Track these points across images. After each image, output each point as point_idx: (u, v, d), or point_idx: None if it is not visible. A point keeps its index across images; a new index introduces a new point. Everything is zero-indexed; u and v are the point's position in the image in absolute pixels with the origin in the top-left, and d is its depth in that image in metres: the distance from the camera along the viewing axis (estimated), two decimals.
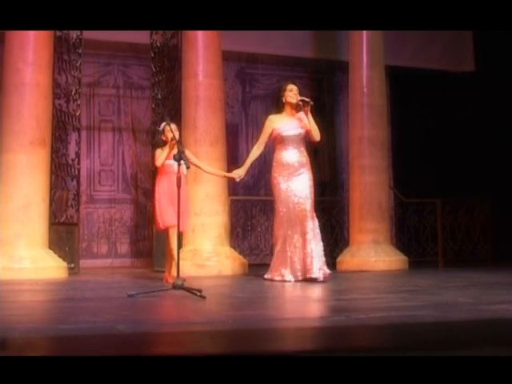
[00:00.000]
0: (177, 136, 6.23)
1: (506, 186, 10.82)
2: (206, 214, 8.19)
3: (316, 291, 5.76)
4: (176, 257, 6.01)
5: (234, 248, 8.66)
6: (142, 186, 10.53)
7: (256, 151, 6.75)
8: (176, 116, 8.64)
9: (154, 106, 9.28)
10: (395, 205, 10.63)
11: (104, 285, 6.64)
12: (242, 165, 6.80)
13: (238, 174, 6.68)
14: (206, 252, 8.10)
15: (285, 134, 6.64)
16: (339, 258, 9.24)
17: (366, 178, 9.24)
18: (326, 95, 11.52)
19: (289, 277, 6.44)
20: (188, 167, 5.48)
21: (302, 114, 6.68)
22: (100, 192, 10.49)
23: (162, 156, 6.43)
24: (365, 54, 9.34)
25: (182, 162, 6.24)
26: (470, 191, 10.49)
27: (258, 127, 11.22)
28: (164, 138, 6.47)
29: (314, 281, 6.27)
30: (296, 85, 6.79)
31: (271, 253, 10.30)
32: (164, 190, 6.44)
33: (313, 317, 4.09)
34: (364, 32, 9.27)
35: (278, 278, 6.49)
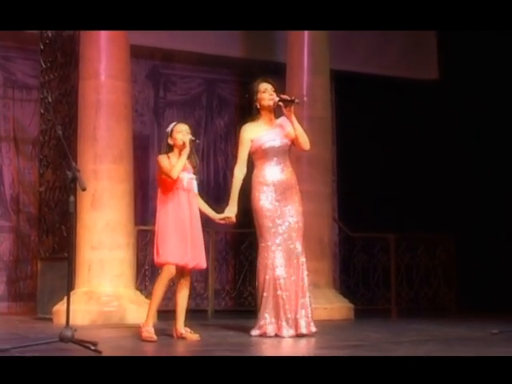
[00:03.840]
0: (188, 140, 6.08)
1: (474, 220, 10.93)
2: (106, 247, 8.18)
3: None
4: (155, 301, 6.14)
5: (141, 290, 8.63)
6: (25, 211, 10.40)
7: (239, 175, 6.55)
8: (71, 125, 8.57)
9: (42, 110, 9.22)
10: (340, 240, 10.74)
11: None
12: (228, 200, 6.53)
13: (232, 212, 6.45)
14: (104, 295, 8.09)
15: (267, 145, 6.54)
16: None
17: (304, 207, 9.34)
18: None
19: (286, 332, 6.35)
20: (84, 189, 5.26)
21: (283, 120, 6.66)
22: None
23: (178, 164, 6.00)
24: (306, 56, 9.50)
25: (188, 176, 6.12)
26: (432, 225, 10.63)
27: None
28: (171, 142, 6.14)
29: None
30: (269, 82, 6.64)
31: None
32: (172, 213, 6.08)
33: None
34: (306, 31, 9.40)
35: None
